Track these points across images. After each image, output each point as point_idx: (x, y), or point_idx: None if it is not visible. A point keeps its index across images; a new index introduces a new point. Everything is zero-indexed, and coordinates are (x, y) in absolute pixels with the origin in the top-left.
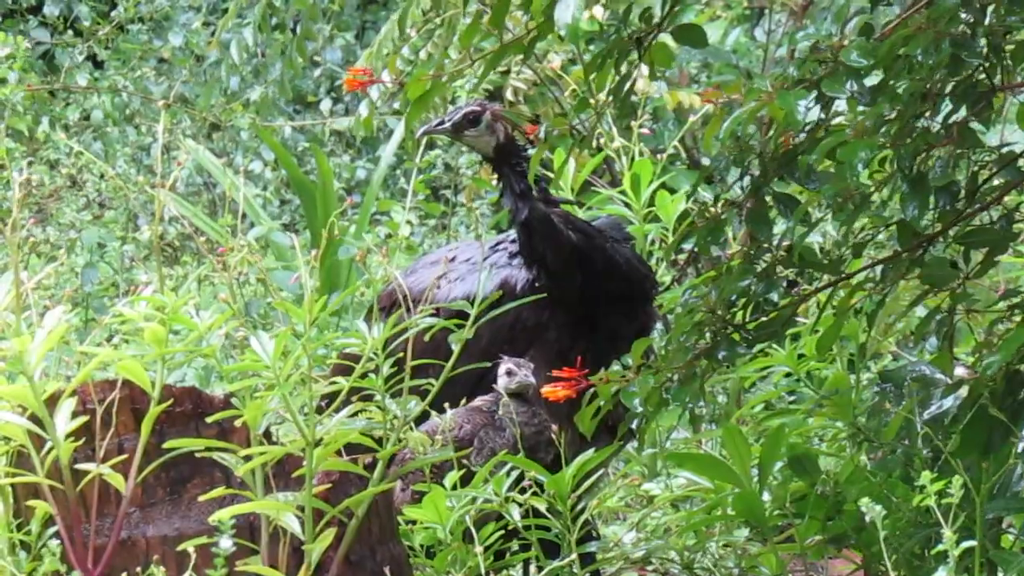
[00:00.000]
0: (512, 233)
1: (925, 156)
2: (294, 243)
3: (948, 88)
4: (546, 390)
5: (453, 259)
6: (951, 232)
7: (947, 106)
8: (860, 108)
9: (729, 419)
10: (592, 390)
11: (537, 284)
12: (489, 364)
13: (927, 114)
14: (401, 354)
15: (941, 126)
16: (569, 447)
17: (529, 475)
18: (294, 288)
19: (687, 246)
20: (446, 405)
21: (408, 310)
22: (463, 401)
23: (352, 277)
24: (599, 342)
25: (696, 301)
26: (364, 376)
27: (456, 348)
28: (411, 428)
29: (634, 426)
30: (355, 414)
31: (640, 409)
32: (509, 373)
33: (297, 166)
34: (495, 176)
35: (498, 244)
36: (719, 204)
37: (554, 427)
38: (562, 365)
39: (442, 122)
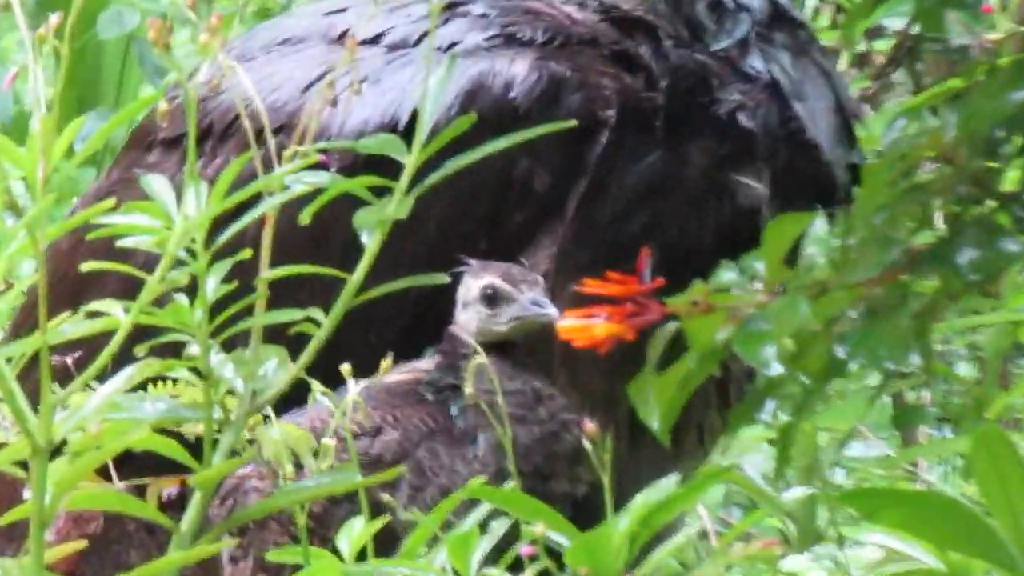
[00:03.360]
0: None
1: None
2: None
3: None
4: (565, 325)
5: (343, 35)
6: None
7: None
8: None
9: (981, 412)
10: (671, 325)
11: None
12: (448, 278)
13: None
14: (248, 252)
15: None
16: (618, 467)
17: (531, 532)
18: (7, 104)
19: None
20: (345, 368)
21: (262, 145)
22: (382, 364)
23: (134, 77)
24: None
25: (913, 141)
26: (164, 302)
27: (369, 240)
28: (268, 419)
29: (765, 415)
30: (143, 385)
31: (776, 370)
32: (489, 298)
33: None
34: None
35: (456, 5)
36: None
37: (587, 423)
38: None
39: None
